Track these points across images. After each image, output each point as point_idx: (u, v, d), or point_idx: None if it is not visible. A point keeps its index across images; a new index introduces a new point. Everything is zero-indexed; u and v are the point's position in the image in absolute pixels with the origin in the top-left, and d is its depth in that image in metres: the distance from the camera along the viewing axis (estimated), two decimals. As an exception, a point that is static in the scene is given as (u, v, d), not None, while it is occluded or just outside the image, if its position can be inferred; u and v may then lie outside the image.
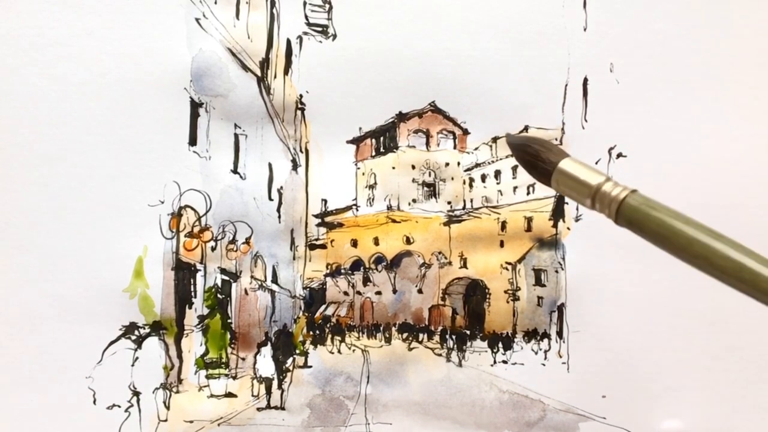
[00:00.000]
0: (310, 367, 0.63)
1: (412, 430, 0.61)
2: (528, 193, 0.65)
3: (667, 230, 0.35)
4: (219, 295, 0.63)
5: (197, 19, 0.62)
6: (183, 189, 0.62)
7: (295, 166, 0.65)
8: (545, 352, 0.63)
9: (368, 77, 0.63)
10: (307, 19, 0.63)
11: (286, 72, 0.64)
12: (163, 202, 0.62)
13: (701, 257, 0.33)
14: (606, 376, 0.62)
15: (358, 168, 0.65)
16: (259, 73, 0.64)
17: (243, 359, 0.63)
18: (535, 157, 0.43)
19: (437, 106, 0.64)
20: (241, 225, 0.63)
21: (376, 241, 0.66)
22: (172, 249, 0.62)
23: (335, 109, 0.64)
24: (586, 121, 0.64)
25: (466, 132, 0.64)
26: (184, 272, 0.63)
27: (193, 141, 0.62)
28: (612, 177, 0.37)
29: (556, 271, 0.64)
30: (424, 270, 0.65)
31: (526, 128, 0.63)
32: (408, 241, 0.65)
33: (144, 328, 0.61)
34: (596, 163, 0.62)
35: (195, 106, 0.62)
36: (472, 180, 0.65)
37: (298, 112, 0.64)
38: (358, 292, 0.66)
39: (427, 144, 0.66)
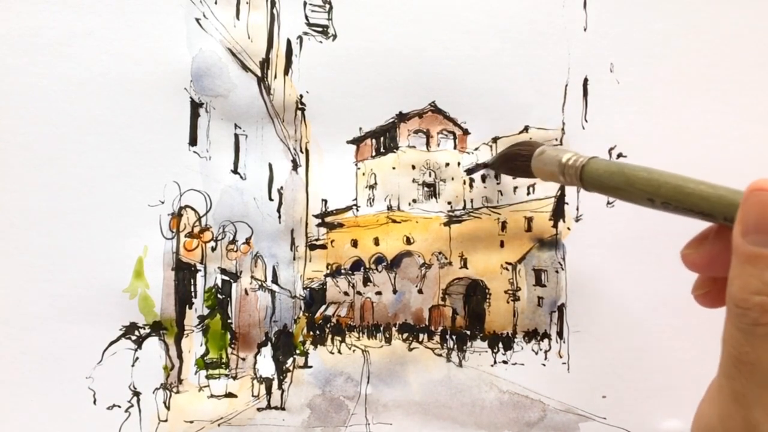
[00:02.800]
0: (311, 367, 0.63)
1: (413, 430, 0.61)
2: (528, 193, 0.65)
3: (620, 178, 0.38)
4: (219, 296, 0.63)
5: (197, 19, 0.62)
6: (183, 189, 0.62)
7: (295, 166, 0.65)
8: (545, 352, 0.63)
9: (368, 77, 0.63)
10: (307, 19, 0.63)
11: (286, 72, 0.64)
12: (163, 202, 0.62)
13: (652, 192, 0.36)
14: (606, 376, 0.62)
15: (359, 168, 0.65)
16: (259, 74, 0.64)
17: (243, 359, 0.63)
18: (514, 158, 0.45)
19: (437, 106, 0.64)
20: (242, 225, 0.63)
21: (377, 242, 0.66)
22: (172, 249, 0.62)
23: (335, 109, 0.64)
24: (586, 121, 0.64)
25: (466, 132, 0.64)
26: (184, 272, 0.63)
27: (193, 141, 0.62)
28: (579, 153, 0.39)
29: (557, 272, 0.64)
30: (425, 270, 0.65)
31: (526, 128, 0.63)
32: (408, 241, 0.65)
33: (144, 329, 0.61)
34: (596, 163, 0.62)
35: (195, 106, 0.62)
36: (472, 180, 0.65)
37: (298, 112, 0.64)
38: (359, 293, 0.66)
39: (428, 144, 0.66)
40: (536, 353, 0.63)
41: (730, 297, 0.32)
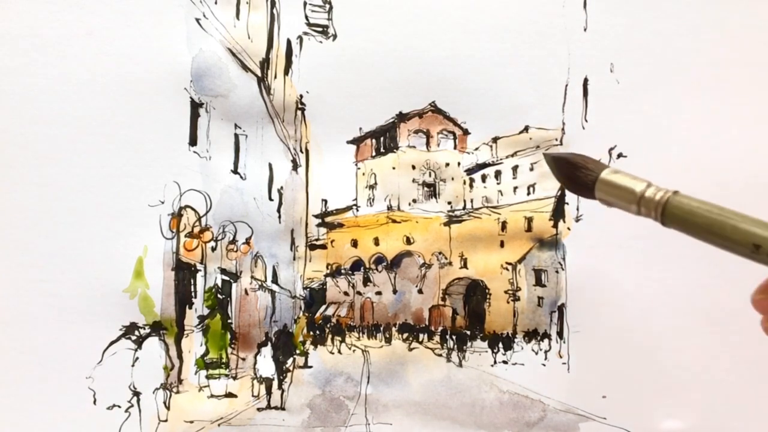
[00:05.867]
0: (311, 367, 0.63)
1: (413, 430, 0.61)
2: (528, 194, 0.65)
3: (711, 224, 0.36)
4: (219, 296, 0.63)
5: (197, 19, 0.62)
6: (183, 189, 0.62)
7: (295, 166, 0.65)
8: (545, 352, 0.63)
9: (368, 77, 0.63)
10: (307, 20, 0.63)
11: (286, 72, 0.64)
12: (163, 202, 0.62)
13: (746, 244, 0.34)
14: (606, 376, 0.62)
15: (359, 168, 0.65)
16: (259, 74, 0.64)
17: (243, 359, 0.63)
18: (576, 169, 0.44)
19: (437, 107, 0.64)
20: (242, 225, 0.63)
21: (377, 242, 0.66)
22: (173, 249, 0.62)
23: (335, 109, 0.64)
24: (586, 121, 0.64)
25: (466, 132, 0.64)
26: (184, 272, 0.63)
27: (193, 141, 0.62)
28: (652, 182, 0.38)
29: (557, 272, 0.64)
30: (425, 270, 0.65)
31: (526, 128, 0.63)
32: (408, 241, 0.65)
33: (144, 329, 0.61)
34: (596, 163, 0.62)
35: (195, 106, 0.62)
36: (472, 180, 0.65)
37: (299, 112, 0.64)
38: (359, 293, 0.66)
39: (428, 144, 0.66)
40: (536, 353, 0.63)
41: None
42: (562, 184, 0.49)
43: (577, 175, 0.42)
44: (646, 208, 0.38)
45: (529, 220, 0.64)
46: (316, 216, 0.65)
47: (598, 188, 0.40)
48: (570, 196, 0.64)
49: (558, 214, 0.64)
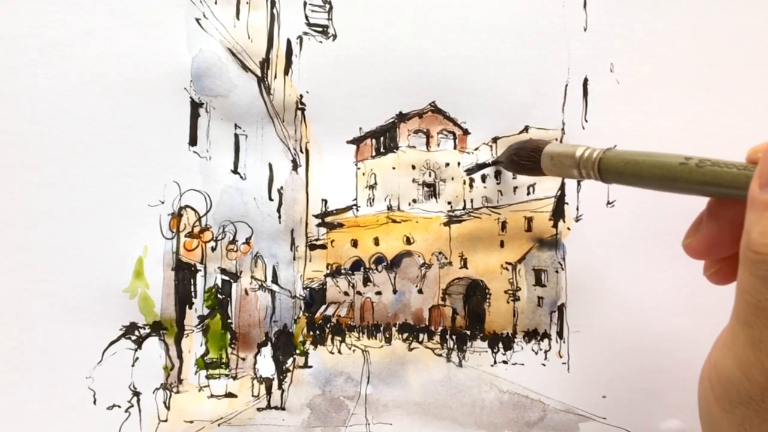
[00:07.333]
0: (311, 367, 0.63)
1: (413, 430, 0.61)
2: (528, 193, 0.65)
3: (642, 161, 0.39)
4: (219, 296, 0.63)
5: (197, 19, 0.62)
6: (183, 189, 0.62)
7: (295, 166, 0.65)
8: (545, 352, 0.63)
9: (368, 77, 0.63)
10: (307, 19, 0.63)
11: (286, 72, 0.64)
12: (163, 202, 0.62)
13: (675, 160, 0.37)
14: (606, 376, 0.62)
15: (359, 168, 0.65)
16: (259, 74, 0.64)
17: (243, 359, 0.63)
18: (520, 154, 0.46)
19: (437, 106, 0.64)
20: (242, 225, 0.63)
21: (377, 242, 0.66)
22: (173, 249, 0.62)
23: (335, 109, 0.64)
24: (586, 121, 0.64)
25: (466, 132, 0.64)
26: (184, 272, 0.63)
27: (193, 141, 0.62)
28: (590, 146, 0.40)
29: (557, 271, 0.64)
30: (425, 270, 0.65)
31: (526, 128, 0.63)
32: (408, 241, 0.65)
33: (144, 329, 0.61)
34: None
35: (195, 106, 0.62)
36: (472, 180, 0.65)
37: (299, 112, 0.64)
38: (359, 293, 0.66)
39: (428, 144, 0.66)
40: (536, 353, 0.63)
41: (747, 246, 0.34)
42: (515, 172, 0.51)
43: (524, 155, 0.45)
44: (585, 169, 0.40)
45: (529, 220, 0.64)
46: (316, 216, 0.65)
47: (543, 161, 0.42)
48: (570, 196, 0.64)
49: (558, 214, 0.64)
